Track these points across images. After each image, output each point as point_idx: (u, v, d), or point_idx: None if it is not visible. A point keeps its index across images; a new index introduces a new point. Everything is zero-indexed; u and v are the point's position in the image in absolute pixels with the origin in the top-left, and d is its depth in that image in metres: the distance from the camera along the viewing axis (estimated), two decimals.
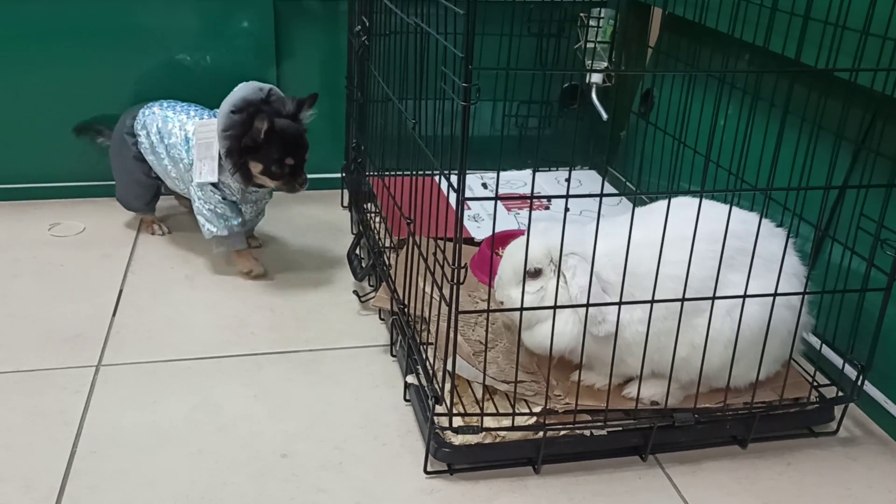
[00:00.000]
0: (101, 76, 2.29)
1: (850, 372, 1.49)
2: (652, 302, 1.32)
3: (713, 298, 1.34)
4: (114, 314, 1.84)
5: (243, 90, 1.83)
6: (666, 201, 1.34)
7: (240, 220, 1.96)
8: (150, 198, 2.15)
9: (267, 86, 1.86)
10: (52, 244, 2.15)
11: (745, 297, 1.34)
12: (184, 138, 1.95)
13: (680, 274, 1.31)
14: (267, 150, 1.80)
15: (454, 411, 1.37)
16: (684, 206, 1.34)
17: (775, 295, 1.35)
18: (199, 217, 1.95)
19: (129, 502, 1.31)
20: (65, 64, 2.27)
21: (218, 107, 1.86)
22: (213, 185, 1.90)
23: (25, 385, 1.58)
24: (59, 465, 1.37)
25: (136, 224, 2.26)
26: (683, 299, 1.32)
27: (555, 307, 1.32)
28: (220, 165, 1.86)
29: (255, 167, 1.83)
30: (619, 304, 1.33)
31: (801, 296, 1.39)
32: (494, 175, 2.48)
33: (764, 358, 1.39)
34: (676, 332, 1.35)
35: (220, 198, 1.92)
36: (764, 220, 1.38)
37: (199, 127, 1.90)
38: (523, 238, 1.38)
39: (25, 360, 1.65)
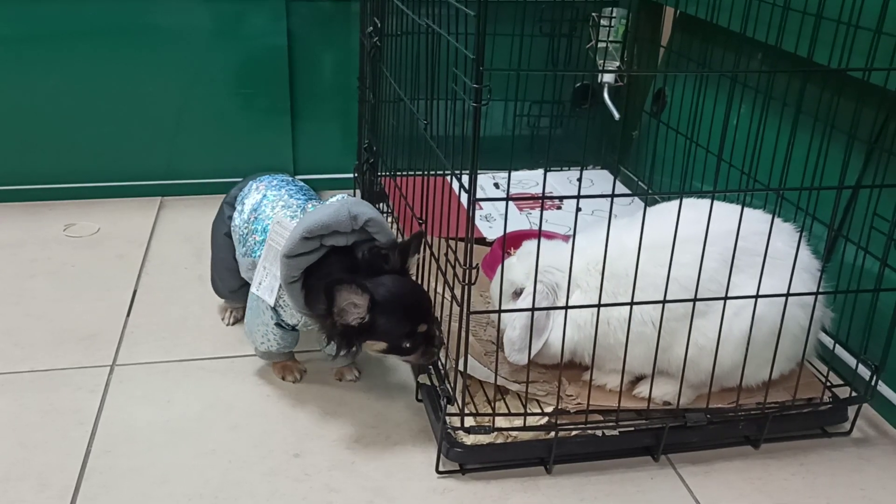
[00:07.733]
0: (115, 76, 2.31)
1: (864, 372, 1.48)
2: (631, 304, 1.33)
3: (725, 299, 1.34)
4: (128, 314, 1.85)
5: (328, 213, 1.36)
6: (671, 203, 1.34)
7: (289, 345, 1.58)
8: (236, 285, 1.68)
9: (364, 212, 1.38)
10: (67, 244, 2.17)
11: (756, 297, 1.33)
12: (263, 229, 1.54)
13: (677, 276, 1.31)
14: (388, 326, 1.34)
15: (466, 411, 1.38)
16: (690, 206, 1.33)
17: (787, 295, 1.34)
18: (245, 320, 1.60)
19: (143, 500, 1.32)
20: (79, 64, 2.28)
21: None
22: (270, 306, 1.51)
23: (41, 384, 1.59)
24: (73, 464, 1.39)
25: (149, 225, 2.28)
26: (695, 300, 1.32)
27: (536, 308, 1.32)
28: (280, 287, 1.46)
29: (376, 346, 1.38)
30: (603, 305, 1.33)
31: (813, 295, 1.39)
32: (506, 175, 2.48)
33: (777, 357, 1.38)
34: (688, 334, 1.36)
35: (272, 322, 1.52)
36: (767, 217, 1.37)
37: (276, 226, 1.48)
38: (510, 259, 1.49)
39: (41, 360, 1.67)
